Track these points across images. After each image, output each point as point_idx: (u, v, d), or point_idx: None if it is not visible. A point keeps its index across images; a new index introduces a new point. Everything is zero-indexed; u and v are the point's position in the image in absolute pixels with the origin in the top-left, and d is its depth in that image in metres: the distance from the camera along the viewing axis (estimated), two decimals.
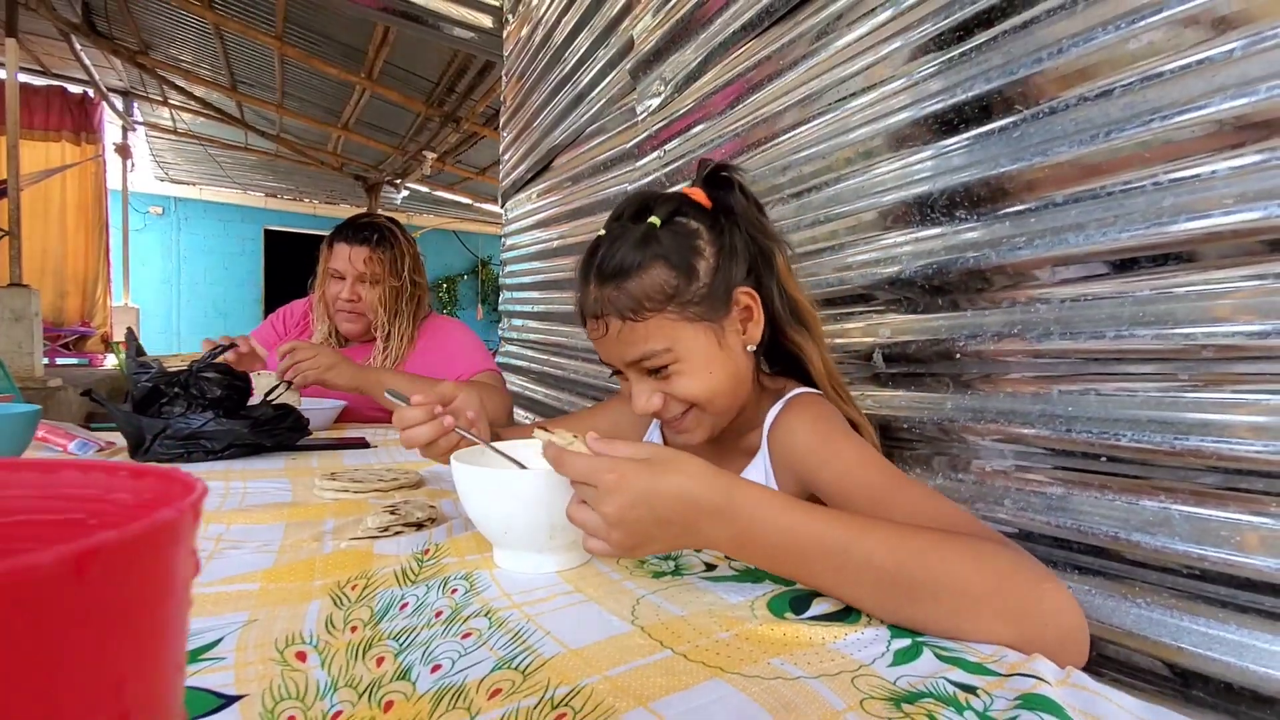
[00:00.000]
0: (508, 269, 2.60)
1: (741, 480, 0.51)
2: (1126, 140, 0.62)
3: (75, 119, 7.02)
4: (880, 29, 0.91)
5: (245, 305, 10.53)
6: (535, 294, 2.34)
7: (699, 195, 0.74)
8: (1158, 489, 0.61)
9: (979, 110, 0.77)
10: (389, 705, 0.37)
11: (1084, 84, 0.67)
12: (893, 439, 0.87)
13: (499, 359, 2.73)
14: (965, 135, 0.79)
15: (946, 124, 0.81)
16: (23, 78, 5.13)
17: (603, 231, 0.75)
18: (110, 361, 6.80)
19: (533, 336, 2.39)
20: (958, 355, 0.78)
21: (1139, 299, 0.62)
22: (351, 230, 1.56)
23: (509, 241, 2.60)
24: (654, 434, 0.89)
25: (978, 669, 0.43)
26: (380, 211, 8.95)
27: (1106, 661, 0.63)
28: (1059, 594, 0.47)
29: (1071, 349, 0.67)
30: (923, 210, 0.84)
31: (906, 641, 0.47)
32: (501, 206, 2.71)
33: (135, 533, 0.11)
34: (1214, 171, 0.56)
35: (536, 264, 2.31)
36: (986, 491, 0.75)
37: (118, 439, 1.17)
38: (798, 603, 0.53)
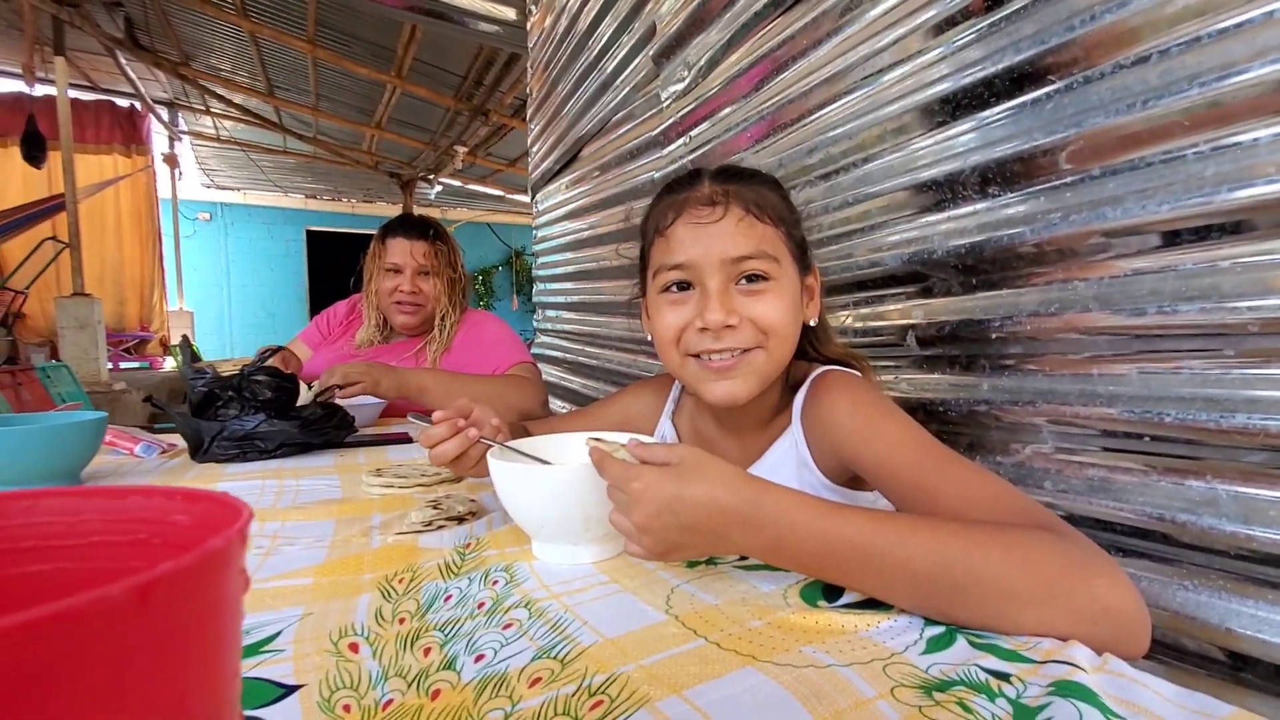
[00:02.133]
0: (540, 260, 2.63)
1: (771, 485, 0.51)
2: (1165, 108, 0.60)
3: (124, 131, 7.31)
4: (906, 2, 0.89)
5: (291, 304, 10.88)
6: (569, 284, 2.36)
7: None
8: (1204, 468, 0.60)
9: (1010, 83, 0.75)
10: (436, 694, 0.39)
11: (1119, 51, 0.64)
12: (929, 421, 0.86)
13: (534, 350, 2.77)
14: (996, 109, 0.77)
15: (976, 98, 0.79)
16: (72, 93, 5.36)
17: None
18: (169, 364, 7.12)
19: (567, 327, 2.42)
20: (994, 336, 0.77)
21: (1182, 273, 0.60)
22: (409, 225, 1.61)
23: (540, 233, 2.63)
24: (665, 424, 0.88)
25: (1011, 656, 0.43)
26: (415, 206, 9.15)
27: (1155, 645, 0.62)
28: (1116, 588, 0.44)
29: (1112, 326, 0.65)
30: (954, 188, 0.82)
31: (940, 629, 0.47)
32: (532, 199, 2.74)
33: (190, 562, 0.13)
34: (1257, 139, 0.54)
35: (569, 254, 2.33)
36: (1027, 474, 0.74)
37: (179, 440, 1.24)
38: (830, 591, 0.53)
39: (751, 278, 0.67)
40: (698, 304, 0.68)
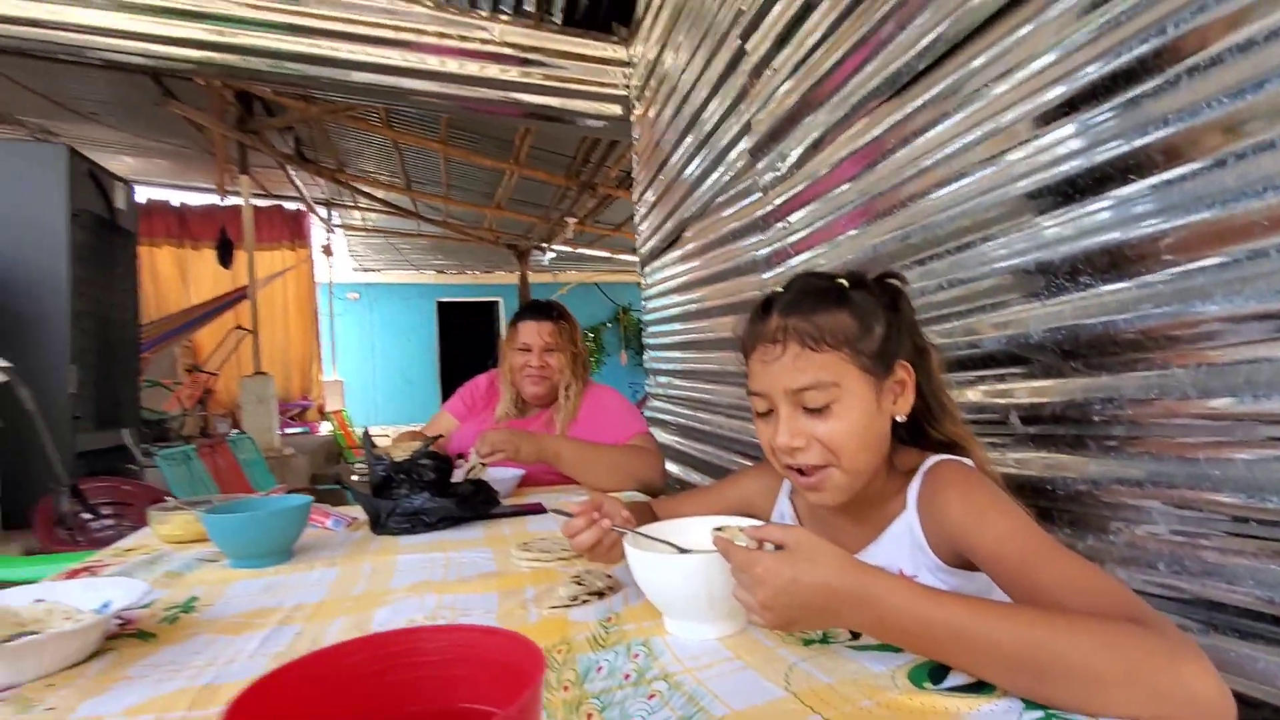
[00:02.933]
0: (650, 329, 2.79)
1: (876, 570, 0.59)
2: (1245, 207, 0.63)
3: (291, 229, 8.49)
4: (997, 99, 0.96)
5: (425, 369, 11.88)
6: (678, 353, 2.49)
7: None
8: None
9: (1095, 180, 0.80)
10: None
11: (1216, 148, 0.67)
12: (1035, 499, 0.88)
13: (647, 413, 2.91)
14: (1084, 204, 0.81)
15: (1064, 193, 0.84)
16: (252, 202, 6.34)
17: (781, 288, 0.82)
18: (324, 428, 7.98)
19: (678, 393, 2.54)
20: (1096, 418, 0.79)
21: (1276, 364, 0.62)
22: (536, 310, 1.85)
23: (650, 305, 2.80)
24: (783, 501, 0.95)
25: None
26: (529, 272, 9.81)
27: None
28: (1202, 676, 0.48)
29: (1211, 412, 0.67)
30: (1047, 276, 0.86)
31: (1039, 714, 0.51)
32: (641, 272, 2.93)
33: (532, 690, 0.24)
34: None
35: (678, 325, 2.47)
36: (1139, 555, 0.75)
37: (359, 513, 1.45)
38: (936, 673, 0.59)
39: (811, 408, 0.75)
40: (775, 426, 0.78)
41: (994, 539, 0.66)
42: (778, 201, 1.60)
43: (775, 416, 0.78)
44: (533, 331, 1.80)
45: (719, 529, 0.69)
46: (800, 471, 0.78)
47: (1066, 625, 0.52)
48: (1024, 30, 0.91)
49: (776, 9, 1.54)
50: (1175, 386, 0.71)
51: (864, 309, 0.76)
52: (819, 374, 0.74)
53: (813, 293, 0.77)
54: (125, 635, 0.80)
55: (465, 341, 12.09)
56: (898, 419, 0.78)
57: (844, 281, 0.78)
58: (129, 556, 1.20)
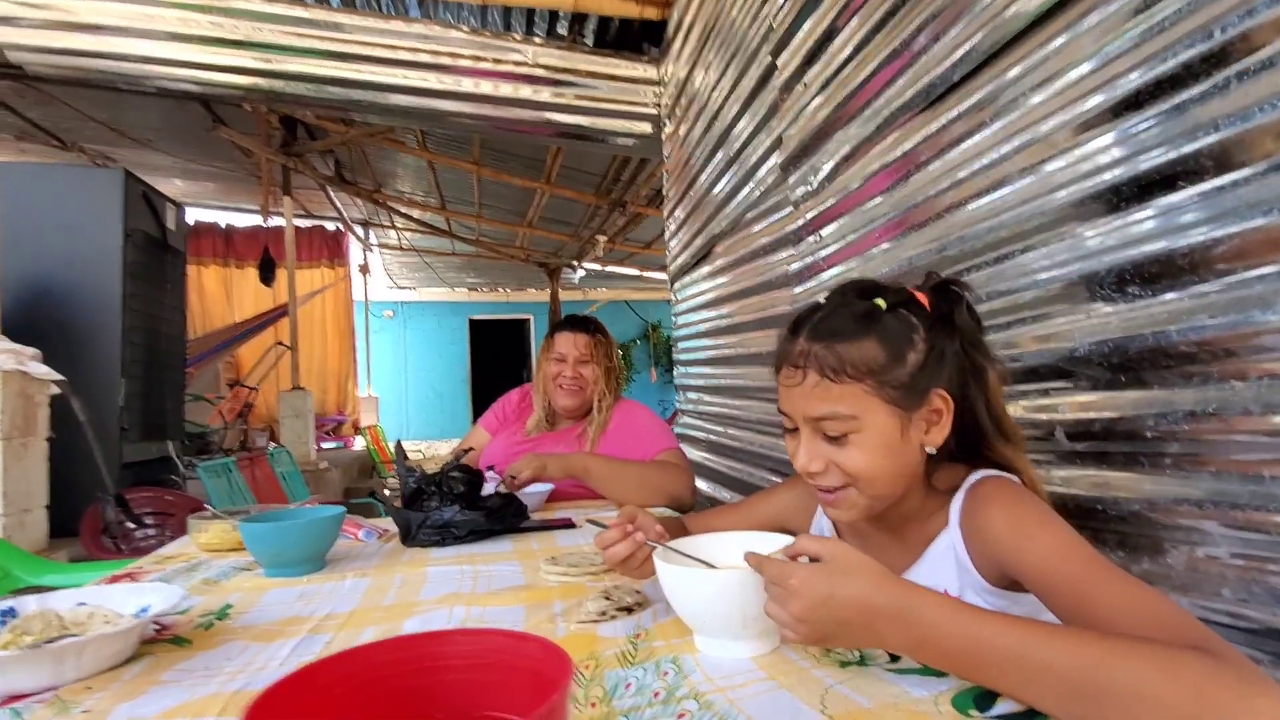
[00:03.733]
0: (680, 345, 2.79)
1: (917, 587, 0.56)
2: None
3: (330, 249, 8.74)
4: (1035, 109, 0.94)
5: (456, 385, 12.06)
6: (708, 369, 2.48)
7: (923, 298, 0.77)
8: None
9: (1140, 187, 0.77)
10: None
11: (1272, 152, 0.65)
12: (1083, 520, 0.84)
13: (677, 429, 2.89)
14: (1130, 211, 0.79)
15: (1108, 201, 0.81)
16: (294, 222, 6.55)
17: (821, 299, 0.80)
18: (359, 443, 8.13)
19: (708, 409, 2.52)
20: (1148, 434, 0.76)
21: None
22: (574, 323, 1.87)
23: (680, 320, 2.80)
24: (821, 516, 0.93)
25: None
26: (559, 290, 9.91)
27: None
28: (1274, 710, 0.44)
29: (1275, 428, 0.63)
30: (1091, 287, 0.83)
31: None
32: (671, 289, 2.93)
33: (563, 689, 0.23)
34: None
35: (707, 341, 2.46)
36: (1201, 579, 0.71)
37: (390, 525, 1.47)
38: (982, 700, 0.56)
39: (830, 435, 0.73)
40: (796, 443, 0.77)
41: (1041, 557, 0.63)
42: (809, 216, 1.59)
43: (799, 436, 0.77)
44: (569, 343, 1.82)
45: (751, 553, 0.67)
46: (820, 493, 0.78)
47: (1127, 649, 0.49)
48: (1061, 39, 0.89)
49: (808, 25, 1.54)
50: (1236, 401, 0.67)
51: (897, 335, 0.72)
52: (835, 406, 0.72)
53: (843, 316, 0.74)
54: (162, 641, 0.81)
55: (496, 358, 12.25)
56: (929, 450, 0.74)
57: (881, 302, 0.74)
58: (168, 564, 1.22)
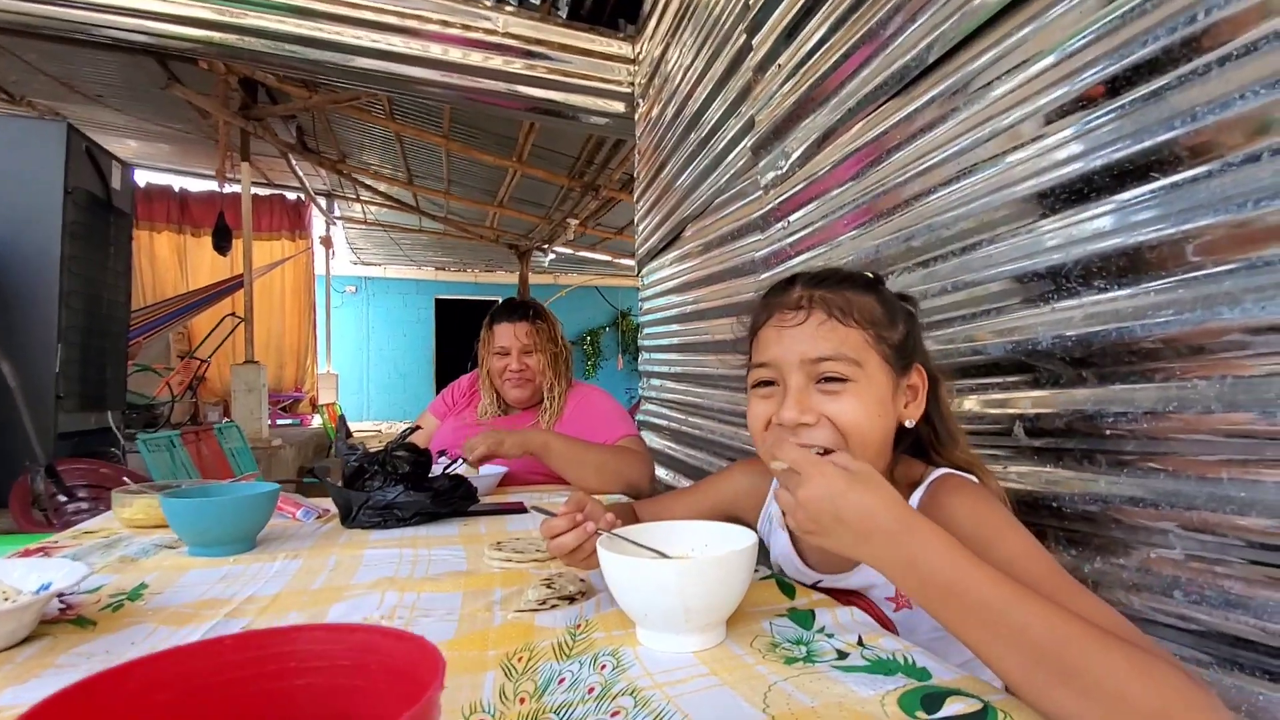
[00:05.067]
0: (646, 331, 2.74)
1: (923, 518, 0.55)
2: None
3: (291, 220, 8.45)
4: (995, 103, 0.91)
5: (420, 366, 11.83)
6: (673, 355, 2.44)
7: None
8: None
9: (1111, 178, 0.75)
10: None
11: (1236, 146, 0.63)
12: (1038, 516, 0.83)
13: (639, 417, 2.86)
14: (1097, 204, 0.77)
15: (1076, 193, 0.79)
16: (253, 190, 6.30)
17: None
18: (316, 421, 7.92)
19: (671, 396, 2.49)
20: (1107, 431, 0.74)
21: None
22: (511, 310, 1.78)
23: (646, 305, 2.75)
24: (772, 503, 0.89)
25: None
26: (529, 273, 9.78)
27: None
28: None
29: (1239, 428, 0.62)
30: (1057, 280, 0.81)
31: None
32: (638, 273, 2.88)
33: (432, 695, 0.19)
34: None
35: (674, 327, 2.42)
36: (1152, 581, 0.70)
37: (331, 506, 1.40)
38: (930, 701, 0.53)
39: (830, 378, 0.69)
40: (779, 401, 0.72)
41: (1004, 560, 0.60)
42: (778, 200, 1.55)
43: (781, 390, 0.72)
44: (509, 334, 1.75)
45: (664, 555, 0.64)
46: None
47: (1106, 636, 0.47)
48: (1029, 28, 0.87)
49: (784, 3, 1.50)
50: (1197, 399, 0.66)
51: (890, 302, 0.74)
52: (843, 346, 0.69)
53: (841, 273, 0.75)
54: (64, 621, 0.75)
55: (462, 340, 12.00)
56: (906, 424, 0.73)
57: (870, 274, 0.76)
58: (88, 539, 1.14)
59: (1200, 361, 0.66)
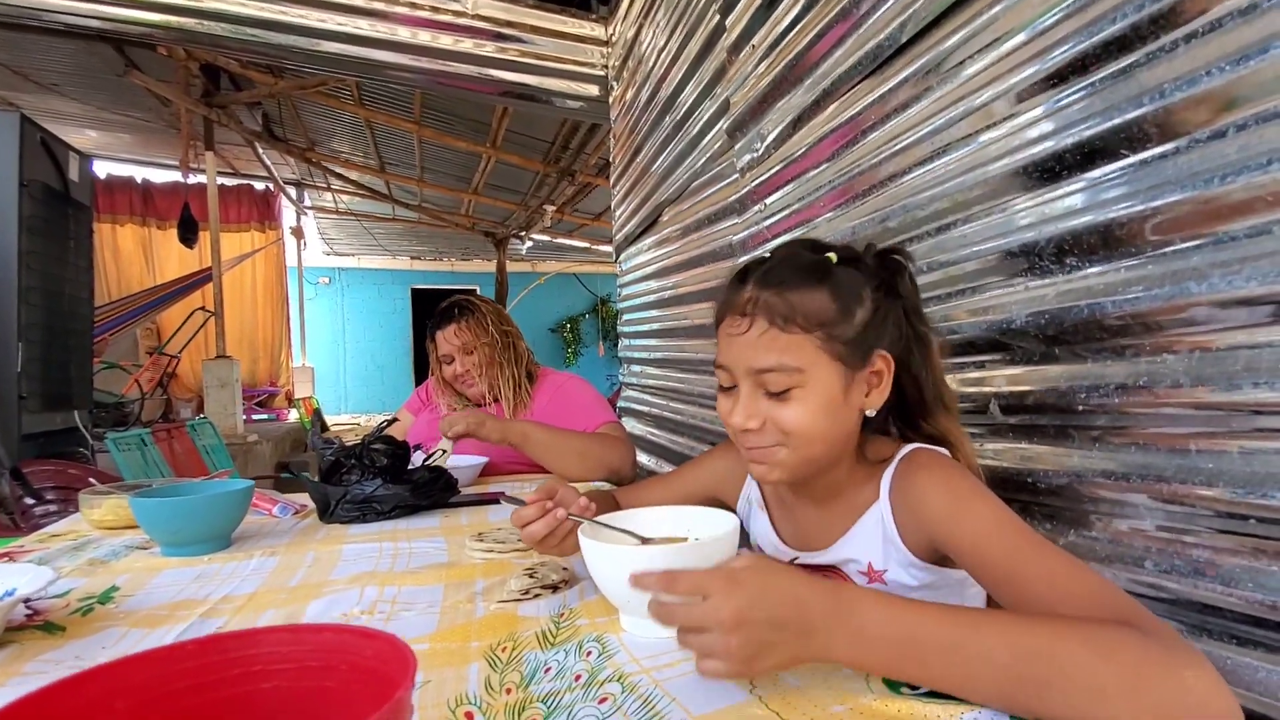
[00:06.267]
0: (625, 317, 2.73)
1: (846, 582, 0.54)
2: (1246, 183, 0.59)
3: (260, 210, 8.25)
4: (968, 82, 0.91)
5: (398, 357, 11.68)
6: (653, 341, 2.44)
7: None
8: None
9: (1082, 156, 0.76)
10: None
11: (1207, 121, 0.64)
12: (1015, 492, 0.84)
13: (620, 404, 2.86)
14: (1071, 182, 0.77)
15: (1049, 171, 0.80)
16: (219, 180, 6.13)
17: (767, 254, 0.76)
18: (292, 415, 7.79)
19: (651, 382, 2.49)
20: (1080, 407, 0.76)
21: (1278, 347, 0.58)
22: (440, 317, 1.77)
23: (625, 291, 2.74)
24: (750, 485, 0.90)
25: None
26: (506, 261, 9.67)
27: None
28: (1203, 678, 0.44)
29: (1206, 401, 0.63)
30: (1030, 259, 0.82)
31: None
32: (616, 259, 2.86)
33: (402, 696, 0.18)
34: None
35: (653, 312, 2.41)
36: (1124, 552, 0.71)
37: (309, 501, 1.38)
38: None
39: (773, 390, 0.70)
40: (734, 402, 0.73)
41: (975, 531, 0.62)
42: (755, 183, 1.55)
43: (736, 393, 0.73)
44: (444, 341, 1.74)
45: (646, 540, 0.64)
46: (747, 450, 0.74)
47: (1064, 630, 0.48)
48: (1000, 5, 0.87)
49: None
50: (1166, 374, 0.67)
51: (847, 289, 0.70)
52: (783, 357, 0.68)
53: (793, 265, 0.71)
54: (31, 627, 0.73)
55: None
56: (868, 413, 0.72)
57: (832, 256, 0.71)
58: (55, 542, 1.11)
59: (1168, 337, 0.67)
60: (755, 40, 1.50)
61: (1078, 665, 0.45)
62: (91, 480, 1.59)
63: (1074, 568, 0.56)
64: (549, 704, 0.53)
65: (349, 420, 9.75)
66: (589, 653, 0.62)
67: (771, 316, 0.68)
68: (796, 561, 0.81)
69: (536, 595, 0.78)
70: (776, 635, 0.49)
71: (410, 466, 1.32)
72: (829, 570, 0.77)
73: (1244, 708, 0.49)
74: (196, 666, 0.24)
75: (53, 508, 2.82)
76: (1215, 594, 0.63)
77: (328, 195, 8.25)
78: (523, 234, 8.92)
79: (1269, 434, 0.59)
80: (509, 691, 0.56)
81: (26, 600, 0.72)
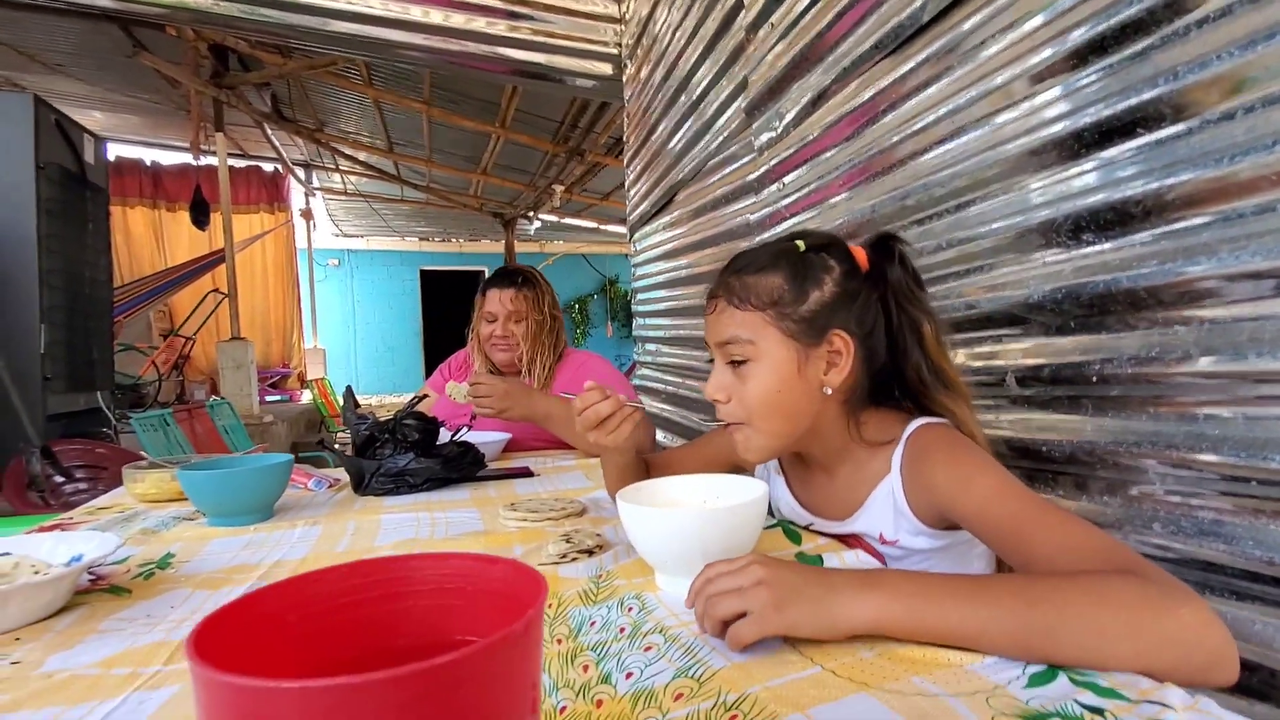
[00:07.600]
0: (639, 296, 2.76)
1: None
2: (1254, 162, 0.62)
3: (269, 192, 8.27)
4: (987, 62, 0.93)
5: (407, 338, 11.75)
6: (667, 320, 2.47)
7: (859, 253, 0.80)
8: None
9: (1099, 135, 0.78)
10: (600, 703, 0.49)
11: (1217, 103, 0.66)
12: (1031, 462, 0.88)
13: (635, 381, 2.90)
14: (1085, 160, 0.80)
15: (1068, 150, 0.82)
16: (229, 162, 6.15)
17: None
18: (305, 397, 7.89)
19: (666, 360, 2.52)
20: (1094, 379, 0.79)
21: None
22: (501, 277, 1.81)
23: (639, 271, 2.76)
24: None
25: (1108, 693, 0.46)
26: (515, 242, 9.68)
27: (1273, 690, 0.62)
28: (1199, 614, 0.48)
29: (1214, 371, 0.66)
30: (1047, 235, 0.85)
31: (1042, 666, 0.51)
32: (630, 239, 2.88)
33: (538, 607, 0.22)
34: None
35: (666, 292, 2.44)
36: (1134, 515, 0.75)
37: (342, 475, 1.43)
38: None
39: (735, 361, 0.78)
40: None
41: (981, 500, 0.66)
42: (772, 163, 1.57)
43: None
44: (496, 300, 1.78)
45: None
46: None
47: (1067, 581, 0.52)
48: None
49: None
50: (1177, 345, 0.70)
51: (804, 273, 0.76)
52: (737, 330, 0.77)
53: (757, 253, 0.80)
54: (97, 591, 0.78)
55: (450, 311, 11.93)
56: (826, 391, 0.77)
57: (800, 244, 0.78)
58: (103, 514, 1.17)
59: (1180, 310, 0.70)
60: (774, 19, 1.51)
61: (1079, 610, 0.50)
62: (118, 459, 1.65)
63: (1076, 525, 0.59)
64: (598, 652, 0.58)
65: (360, 401, 9.83)
66: (630, 609, 0.67)
67: (730, 297, 0.78)
68: (813, 527, 0.86)
69: (574, 559, 0.82)
70: (805, 586, 0.55)
71: (439, 441, 1.37)
72: (848, 539, 0.82)
73: (1245, 659, 0.53)
74: (352, 585, 0.28)
75: (82, 485, 2.90)
76: (1218, 553, 0.66)
77: (336, 176, 8.26)
78: (531, 214, 8.91)
79: (1271, 400, 0.62)
80: (559, 642, 0.60)
81: (90, 566, 0.76)
